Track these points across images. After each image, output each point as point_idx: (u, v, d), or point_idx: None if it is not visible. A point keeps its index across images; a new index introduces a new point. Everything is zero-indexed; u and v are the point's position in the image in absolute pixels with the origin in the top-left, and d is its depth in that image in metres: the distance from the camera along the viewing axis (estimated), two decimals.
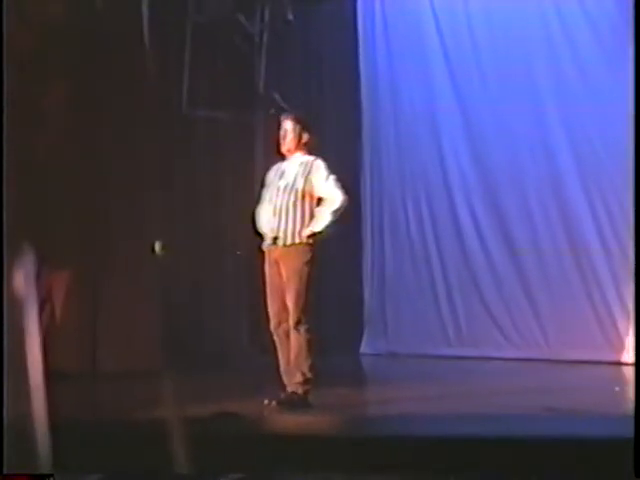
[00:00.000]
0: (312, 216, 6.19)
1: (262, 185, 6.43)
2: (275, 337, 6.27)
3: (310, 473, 4.48)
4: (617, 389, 6.71)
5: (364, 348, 9.42)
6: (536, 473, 4.34)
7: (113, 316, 7.84)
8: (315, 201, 6.23)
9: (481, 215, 9.04)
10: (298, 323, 6.13)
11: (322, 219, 6.17)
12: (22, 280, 4.24)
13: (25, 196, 7.20)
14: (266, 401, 6.14)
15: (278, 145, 6.35)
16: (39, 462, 3.97)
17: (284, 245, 6.19)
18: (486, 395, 6.89)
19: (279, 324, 6.22)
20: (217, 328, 8.50)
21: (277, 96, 8.68)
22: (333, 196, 6.19)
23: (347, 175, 9.32)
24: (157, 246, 7.53)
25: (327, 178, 6.25)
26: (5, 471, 4.05)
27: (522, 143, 8.79)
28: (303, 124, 6.35)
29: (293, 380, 6.17)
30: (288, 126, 6.33)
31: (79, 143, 7.64)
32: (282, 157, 6.39)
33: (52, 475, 3.91)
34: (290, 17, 8.72)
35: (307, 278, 6.15)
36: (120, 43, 7.87)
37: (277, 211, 6.23)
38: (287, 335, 6.21)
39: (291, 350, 6.17)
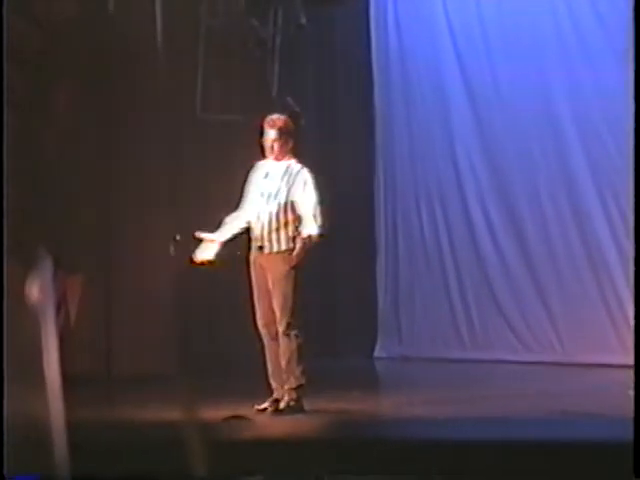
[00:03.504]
0: (294, 225, 6.25)
1: (245, 183, 6.42)
2: (263, 339, 6.34)
3: (323, 476, 4.47)
4: (630, 392, 6.66)
5: (378, 352, 9.37)
6: (552, 476, 4.34)
7: (126, 319, 7.85)
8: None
9: (494, 217, 9.01)
10: (288, 328, 6.22)
11: (300, 244, 6.23)
12: (39, 285, 4.23)
13: (36, 198, 7.24)
14: (256, 406, 6.23)
15: (262, 150, 6.35)
16: (55, 466, 3.97)
17: (270, 253, 6.23)
18: (500, 399, 6.88)
19: (265, 326, 6.30)
20: (230, 330, 8.48)
21: (290, 100, 8.68)
22: (308, 225, 6.24)
23: (360, 178, 9.38)
24: (177, 237, 7.57)
25: (310, 197, 6.26)
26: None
27: (535, 144, 8.77)
28: (288, 131, 6.34)
29: (287, 386, 6.24)
30: (273, 135, 6.32)
31: (91, 145, 7.66)
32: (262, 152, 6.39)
33: None
34: (303, 21, 8.72)
35: (294, 283, 6.24)
36: (132, 46, 7.89)
37: (260, 219, 6.27)
38: (273, 337, 6.30)
39: (281, 356, 6.26)
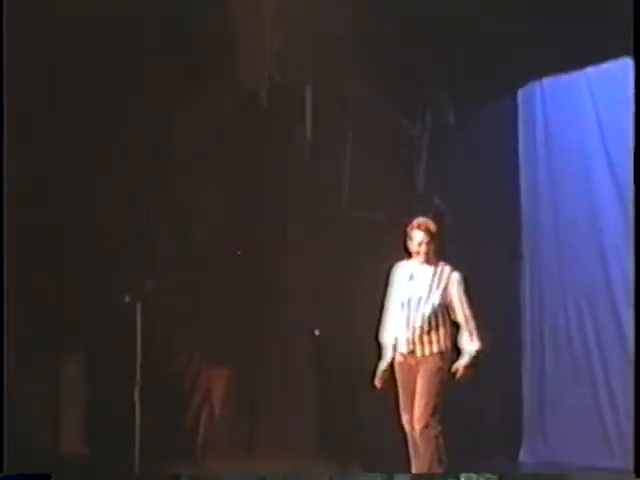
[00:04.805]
0: (445, 328, 6.26)
1: (387, 284, 6.43)
2: (409, 439, 6.29)
3: None
4: None
5: (523, 456, 9.15)
6: None
7: (270, 409, 7.87)
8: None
9: None
10: (426, 427, 6.16)
11: (466, 356, 6.30)
12: None
13: (183, 298, 7.38)
14: None
15: (407, 251, 6.36)
16: None
17: (422, 356, 6.20)
18: None
19: (411, 421, 6.25)
20: (372, 419, 8.41)
21: (437, 199, 8.69)
22: (465, 342, 6.28)
23: (506, 279, 9.25)
24: (316, 331, 7.61)
25: (466, 304, 6.28)
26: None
27: None
28: (435, 233, 6.34)
29: None
30: (421, 237, 6.31)
31: (234, 243, 7.82)
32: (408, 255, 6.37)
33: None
34: (451, 120, 8.77)
35: (439, 384, 6.22)
36: (282, 141, 8.08)
37: (411, 323, 6.26)
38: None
39: (424, 457, 6.20)
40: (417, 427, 6.18)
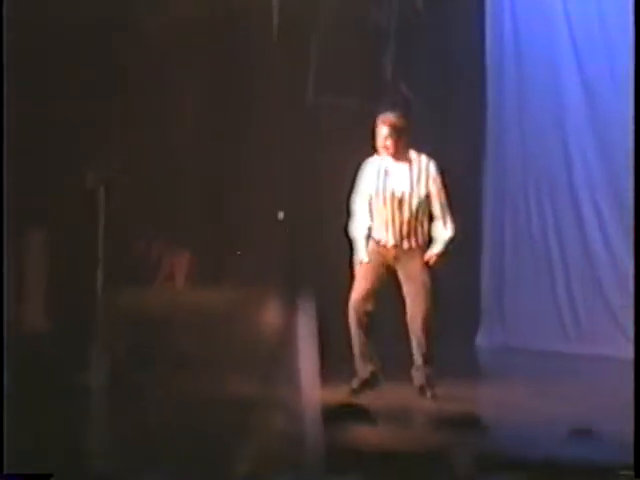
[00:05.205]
0: (428, 218, 6.36)
1: (356, 176, 6.46)
2: (354, 317, 6.38)
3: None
4: None
5: (480, 340, 9.34)
6: None
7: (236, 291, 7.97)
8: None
9: (605, 211, 8.88)
10: (429, 321, 6.35)
11: (439, 244, 6.39)
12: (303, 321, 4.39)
13: (149, 186, 7.41)
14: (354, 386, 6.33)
15: (375, 147, 6.35)
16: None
17: (409, 248, 6.28)
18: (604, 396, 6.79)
19: (362, 306, 6.36)
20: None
21: (404, 86, 8.67)
22: (447, 227, 6.39)
23: (469, 168, 9.31)
24: (280, 215, 7.68)
25: (443, 193, 6.35)
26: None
27: None
28: (401, 127, 6.33)
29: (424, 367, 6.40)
30: (386, 132, 6.31)
31: (203, 130, 7.80)
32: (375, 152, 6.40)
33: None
34: (419, 6, 8.70)
35: (429, 277, 6.34)
36: (247, 31, 8.00)
37: (397, 217, 6.30)
38: (368, 316, 6.35)
39: (416, 347, 6.41)
40: (421, 323, 6.34)
